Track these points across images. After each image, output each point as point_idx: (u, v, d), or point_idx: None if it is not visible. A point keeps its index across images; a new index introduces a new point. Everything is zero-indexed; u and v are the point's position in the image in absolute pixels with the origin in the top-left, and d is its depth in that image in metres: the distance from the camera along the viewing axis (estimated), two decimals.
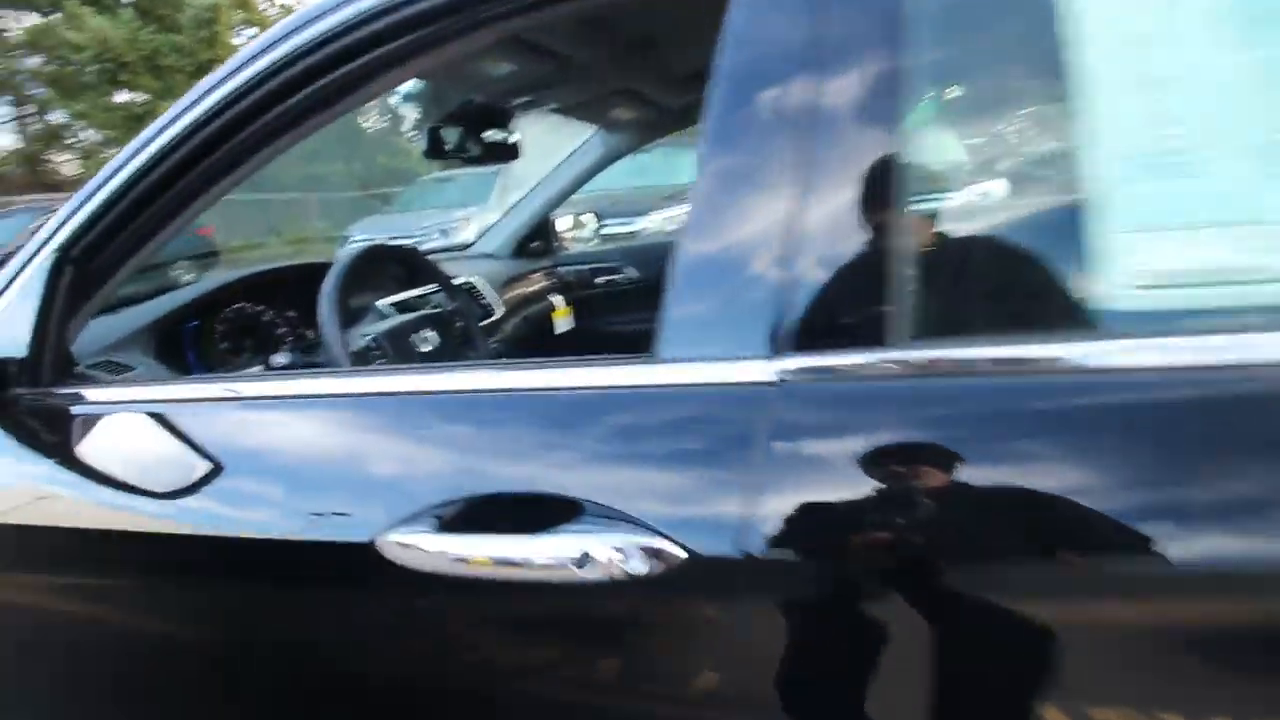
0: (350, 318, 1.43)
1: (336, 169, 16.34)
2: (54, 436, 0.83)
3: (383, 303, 1.53)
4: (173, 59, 15.30)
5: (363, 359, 1.15)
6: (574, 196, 2.45)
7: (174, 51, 15.38)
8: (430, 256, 2.21)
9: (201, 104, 0.76)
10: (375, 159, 17.40)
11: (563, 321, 2.43)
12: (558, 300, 2.41)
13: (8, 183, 17.88)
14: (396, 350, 1.20)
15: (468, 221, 7.14)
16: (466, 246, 2.47)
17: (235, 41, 16.48)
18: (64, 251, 0.83)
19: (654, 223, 6.02)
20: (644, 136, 2.15)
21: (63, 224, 0.83)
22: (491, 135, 1.57)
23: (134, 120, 15.86)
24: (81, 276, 0.85)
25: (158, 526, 0.74)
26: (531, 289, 2.27)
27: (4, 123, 18.23)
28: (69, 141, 18.60)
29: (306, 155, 16.49)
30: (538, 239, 2.50)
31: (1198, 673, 0.45)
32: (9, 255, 0.91)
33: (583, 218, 2.72)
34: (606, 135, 2.07)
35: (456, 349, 1.34)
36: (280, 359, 1.14)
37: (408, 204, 8.23)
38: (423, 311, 1.31)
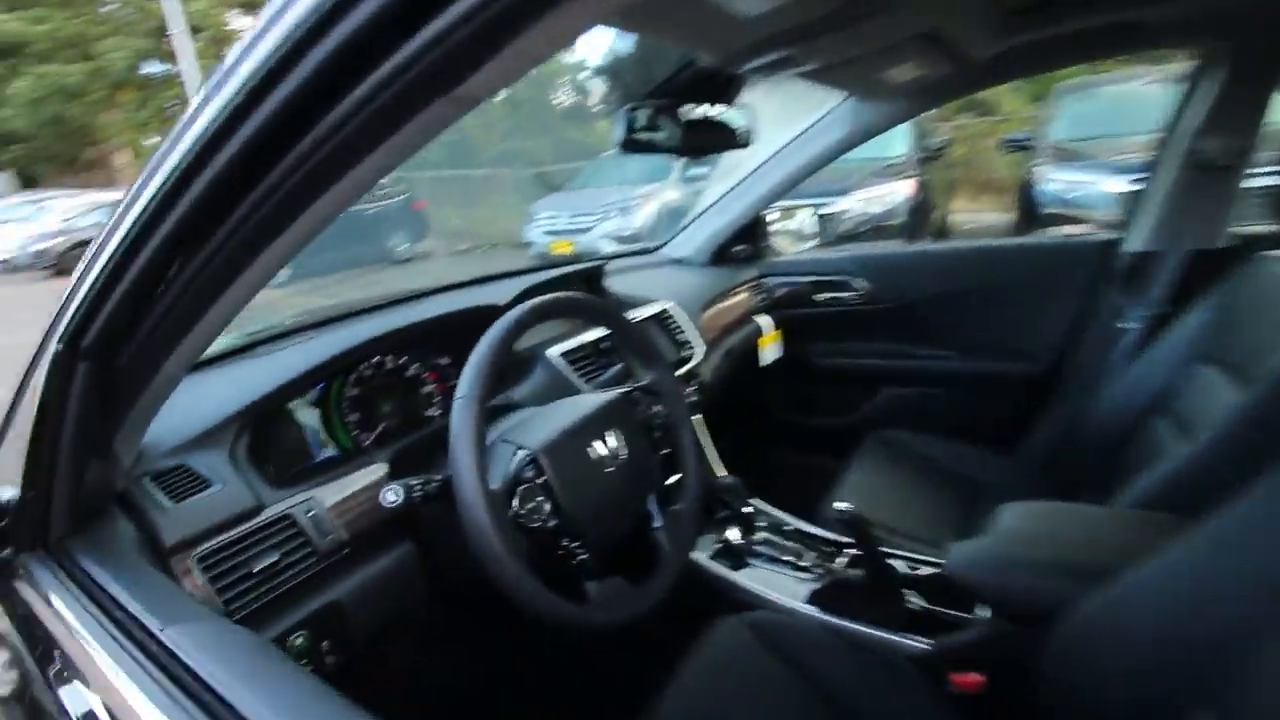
0: (508, 368, 1.05)
1: (528, 145, 17.13)
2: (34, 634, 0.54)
3: (553, 352, 1.14)
4: None
5: (507, 498, 0.76)
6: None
7: None
8: (615, 264, 1.82)
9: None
10: (565, 134, 17.95)
11: (770, 350, 1.91)
12: (764, 323, 1.89)
13: None
14: (565, 487, 0.78)
15: (648, 199, 6.83)
16: (653, 250, 2.03)
17: None
18: (70, 344, 0.50)
19: (855, 204, 5.19)
20: (918, 104, 1.53)
21: (66, 307, 0.50)
22: (708, 116, 1.07)
23: None
24: (107, 377, 0.52)
25: None
26: (734, 309, 1.77)
27: None
28: None
29: (504, 132, 17.49)
30: (743, 241, 1.99)
31: None
32: None
33: (799, 212, 2.16)
34: (861, 106, 1.48)
35: (648, 458, 0.91)
36: (392, 495, 0.78)
37: (588, 180, 8.16)
38: (593, 409, 0.87)
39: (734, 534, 1.24)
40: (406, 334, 1.02)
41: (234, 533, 0.70)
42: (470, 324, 1.03)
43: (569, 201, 7.60)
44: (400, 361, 1.03)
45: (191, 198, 0.41)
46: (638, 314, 1.34)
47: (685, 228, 2.00)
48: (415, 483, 0.74)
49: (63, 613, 0.55)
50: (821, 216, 2.15)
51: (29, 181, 19.72)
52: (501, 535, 0.67)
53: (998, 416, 1.78)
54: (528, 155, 16.60)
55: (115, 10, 19.02)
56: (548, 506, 0.75)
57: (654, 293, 1.49)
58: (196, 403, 0.79)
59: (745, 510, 1.23)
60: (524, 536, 0.74)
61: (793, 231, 2.20)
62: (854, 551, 1.14)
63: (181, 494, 0.69)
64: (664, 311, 1.42)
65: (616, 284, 1.54)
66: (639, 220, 6.65)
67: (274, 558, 0.71)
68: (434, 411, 1.04)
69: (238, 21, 19.95)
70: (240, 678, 0.44)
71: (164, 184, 0.42)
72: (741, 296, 1.84)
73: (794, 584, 1.14)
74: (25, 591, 0.59)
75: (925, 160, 5.63)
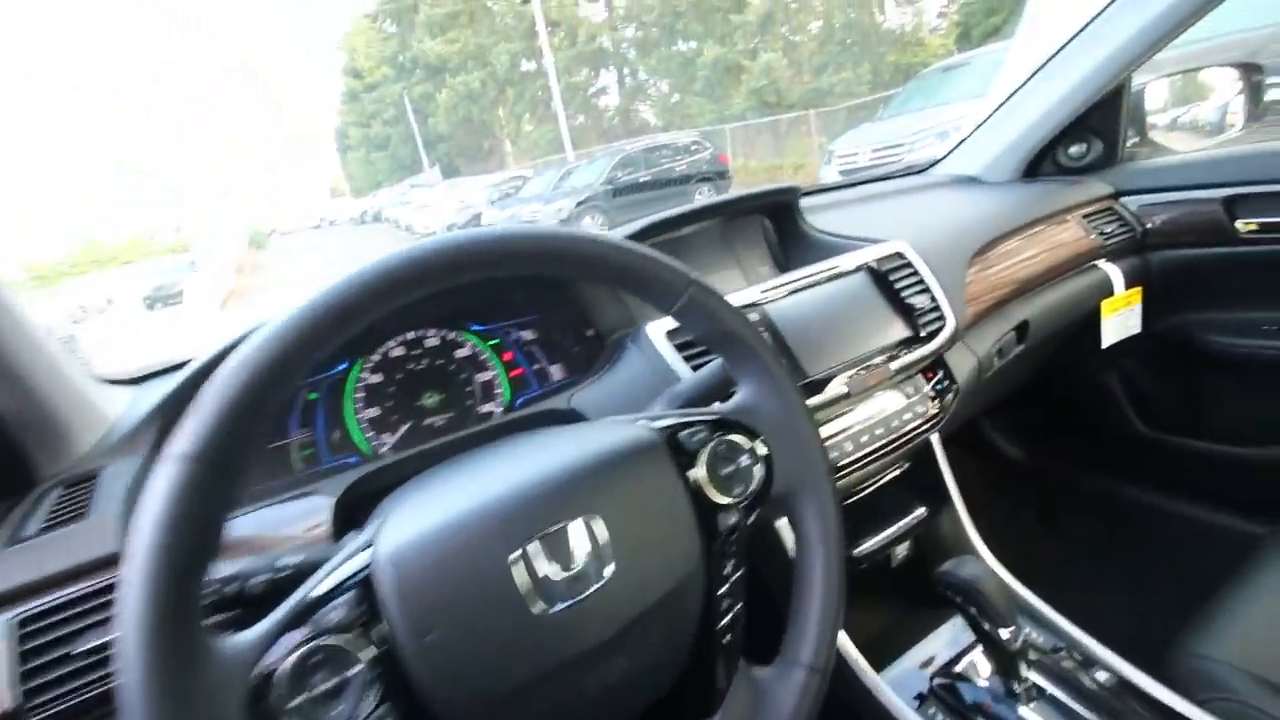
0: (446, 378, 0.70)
1: (843, 77, 15.58)
2: None
3: (655, 330, 0.73)
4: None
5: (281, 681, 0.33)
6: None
7: None
8: (869, 189, 1.26)
9: None
10: (885, 59, 15.78)
11: (1121, 321, 1.13)
12: (1113, 274, 1.12)
13: (611, 133, 24.02)
14: (437, 672, 0.35)
15: (970, 120, 5.44)
16: (924, 168, 1.38)
17: None
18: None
19: None
20: None
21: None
22: None
23: (687, 64, 18.68)
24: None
25: None
26: (1050, 253, 1.06)
27: (610, 88, 24.25)
28: (650, 93, 23.42)
29: (815, 68, 16.25)
30: (1084, 136, 1.21)
31: None
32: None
33: (1210, 75, 1.21)
34: None
35: (690, 595, 0.43)
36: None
37: (902, 106, 6.84)
38: (572, 462, 0.42)
39: (983, 679, 0.69)
40: (462, 299, 0.75)
41: (71, 590, 0.48)
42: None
43: (875, 134, 6.54)
44: (451, 336, 0.76)
45: None
46: (829, 267, 0.82)
47: (978, 129, 1.30)
48: (258, 567, 0.39)
49: None
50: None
51: (449, 172, 25.97)
52: None
53: None
54: (842, 88, 15.11)
55: (502, 20, 23.24)
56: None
57: (894, 230, 0.93)
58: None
59: (1006, 637, 0.65)
60: None
61: (1193, 118, 1.27)
62: None
63: (56, 520, 0.54)
64: (891, 257, 0.86)
65: (834, 219, 1.02)
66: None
67: (105, 637, 0.46)
68: (493, 406, 0.75)
69: (587, 9, 22.62)
70: None
71: None
72: (1069, 231, 1.10)
73: None
74: None
75: None
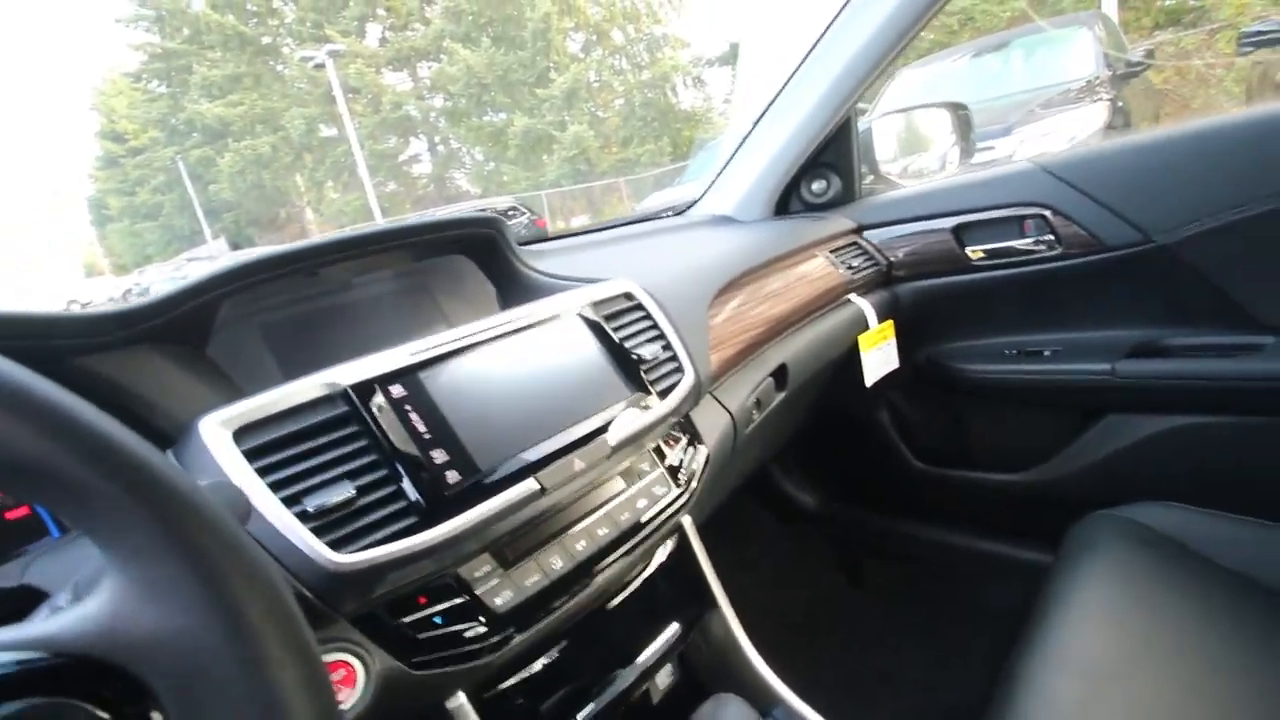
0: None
1: (648, 149, 16.74)
2: None
3: (209, 422, 0.46)
4: (519, 74, 17.46)
5: None
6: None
7: (520, 67, 17.54)
8: (613, 229, 1.11)
9: None
10: (681, 134, 17.31)
11: (878, 357, 1.08)
12: (866, 308, 1.07)
13: (426, 200, 23.30)
14: None
15: None
16: (683, 210, 1.28)
17: (568, 45, 18.13)
18: None
19: (1021, 146, 3.88)
20: None
21: None
22: None
23: (498, 134, 18.86)
24: None
25: None
26: (800, 287, 0.97)
27: (422, 155, 23.69)
28: (464, 160, 23.19)
29: (622, 140, 17.33)
30: (822, 173, 1.18)
31: None
32: None
33: (928, 115, 1.26)
34: None
35: None
36: None
37: (698, 171, 7.38)
38: None
39: None
40: None
41: None
42: None
43: (677, 195, 6.92)
44: None
45: None
46: (522, 315, 0.60)
47: (726, 168, 1.23)
48: None
49: None
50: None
51: (243, 242, 23.21)
52: None
53: None
54: (648, 158, 16.21)
55: (294, 84, 21.81)
56: None
57: (629, 271, 0.76)
58: None
59: None
60: None
61: (919, 167, 1.31)
62: None
63: None
64: (613, 300, 0.68)
65: (567, 261, 0.83)
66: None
67: None
68: None
69: (391, 77, 22.04)
70: None
71: None
72: (817, 266, 1.03)
73: None
74: None
75: (1123, 78, 4.18)
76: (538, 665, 0.58)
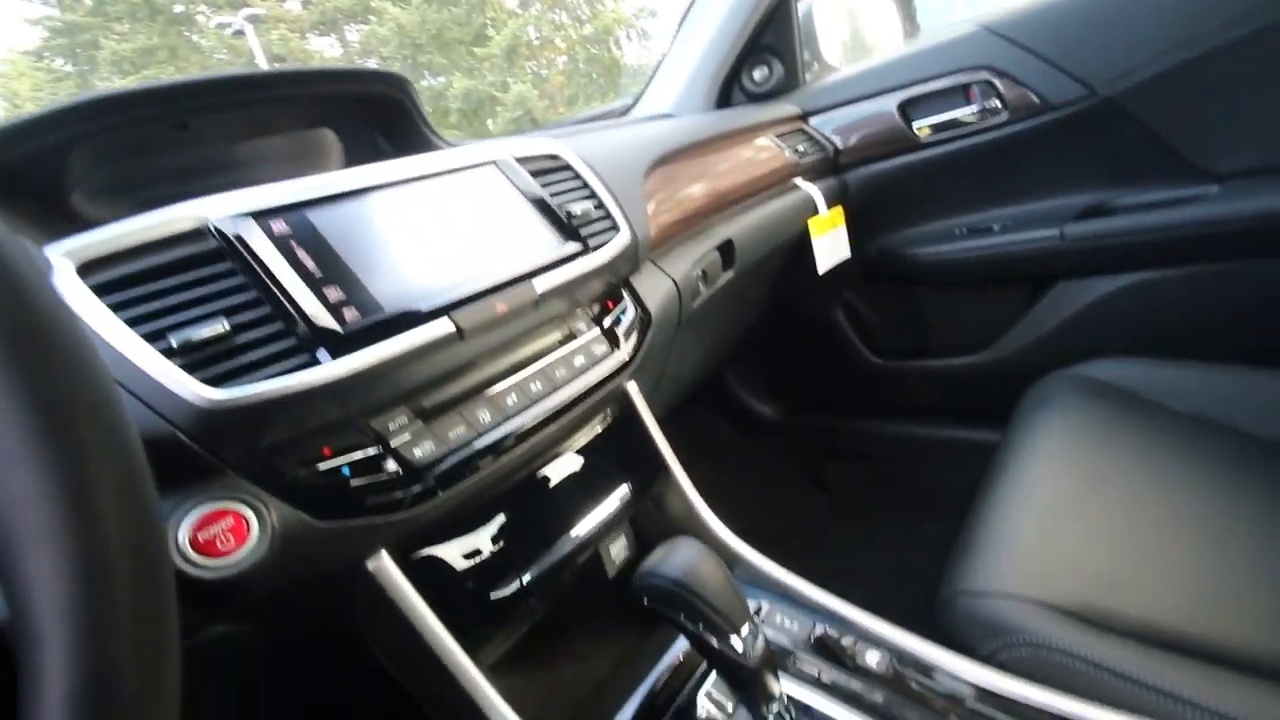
0: None
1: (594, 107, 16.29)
2: None
3: None
4: (455, 32, 16.66)
5: None
6: None
7: (455, 25, 16.73)
8: (570, 128, 1.04)
9: None
10: (629, 90, 16.86)
11: (828, 244, 1.05)
12: (815, 193, 1.03)
13: None
14: None
15: None
16: (622, 112, 1.21)
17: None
18: None
19: None
20: None
21: None
22: None
23: (438, 96, 18.04)
24: None
25: None
26: (745, 167, 0.93)
27: None
28: None
29: (566, 100, 16.79)
30: (763, 59, 1.13)
31: None
32: None
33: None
34: None
35: None
36: None
37: None
38: None
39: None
40: None
41: None
42: None
43: None
44: None
45: None
46: (444, 161, 0.54)
47: (660, 66, 1.16)
48: None
49: None
50: None
51: None
52: None
53: None
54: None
55: (213, 55, 20.41)
56: None
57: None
58: None
59: (739, 650, 0.42)
60: None
61: (858, 29, 1.26)
62: None
63: None
64: (542, 159, 0.62)
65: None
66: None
67: None
68: None
69: (318, 42, 20.77)
70: None
71: None
72: (763, 148, 0.98)
73: None
74: None
75: None
76: (481, 541, 0.53)
